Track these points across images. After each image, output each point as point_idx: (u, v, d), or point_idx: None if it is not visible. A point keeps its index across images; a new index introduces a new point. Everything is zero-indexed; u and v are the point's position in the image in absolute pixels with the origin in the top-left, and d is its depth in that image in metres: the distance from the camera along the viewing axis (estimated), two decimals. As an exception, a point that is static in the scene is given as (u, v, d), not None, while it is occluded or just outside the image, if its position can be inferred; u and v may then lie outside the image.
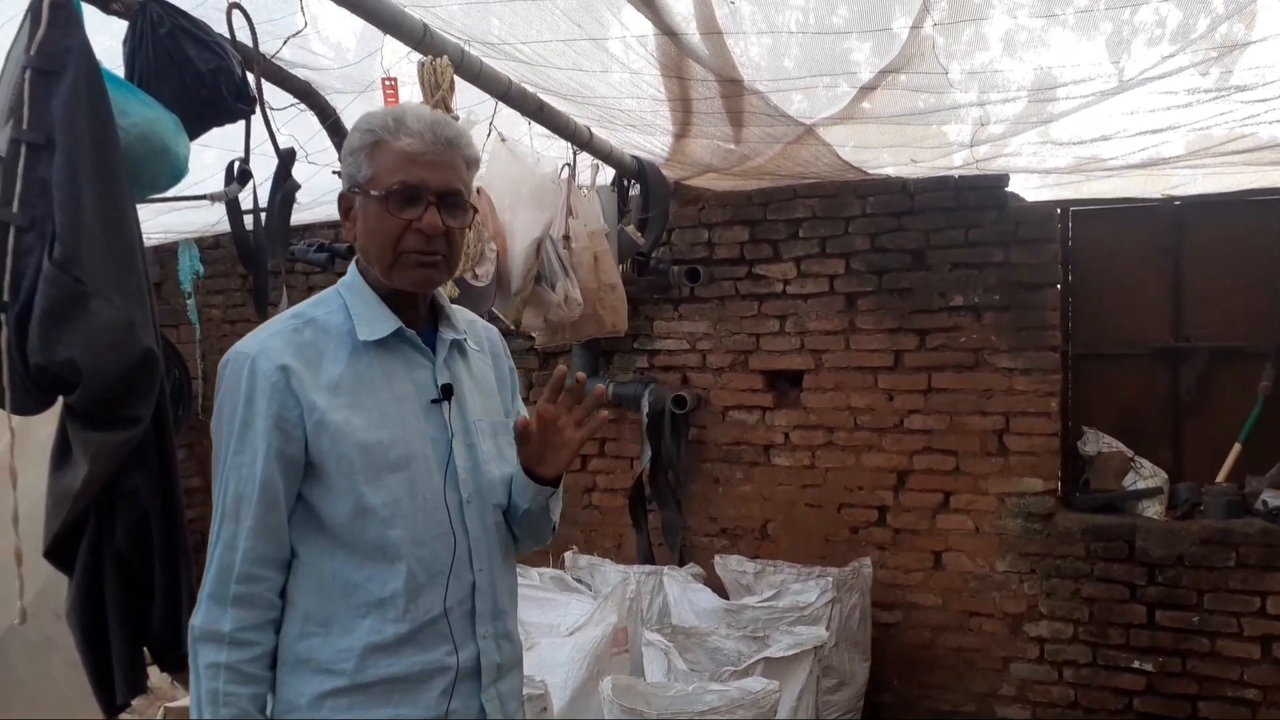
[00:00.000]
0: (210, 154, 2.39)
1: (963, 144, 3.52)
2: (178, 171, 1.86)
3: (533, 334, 3.65)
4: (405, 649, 1.46)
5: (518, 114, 3.05)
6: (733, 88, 2.95)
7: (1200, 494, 3.86)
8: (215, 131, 2.07)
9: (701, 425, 4.48)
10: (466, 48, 2.70)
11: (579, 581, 3.91)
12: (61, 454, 1.66)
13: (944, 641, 4.09)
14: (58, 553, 1.68)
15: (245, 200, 2.14)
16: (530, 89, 3.03)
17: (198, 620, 1.41)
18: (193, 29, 1.92)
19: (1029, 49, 2.68)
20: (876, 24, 2.53)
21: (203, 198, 2.09)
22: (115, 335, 1.60)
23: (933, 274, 4.05)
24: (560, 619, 3.19)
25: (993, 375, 3.97)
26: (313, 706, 1.44)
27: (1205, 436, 3.99)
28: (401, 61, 2.66)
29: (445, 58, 2.52)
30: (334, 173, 2.87)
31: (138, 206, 1.77)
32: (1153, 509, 3.86)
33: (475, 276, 2.88)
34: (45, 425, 1.72)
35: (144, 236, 1.78)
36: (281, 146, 2.26)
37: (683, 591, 3.80)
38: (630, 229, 3.99)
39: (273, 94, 2.51)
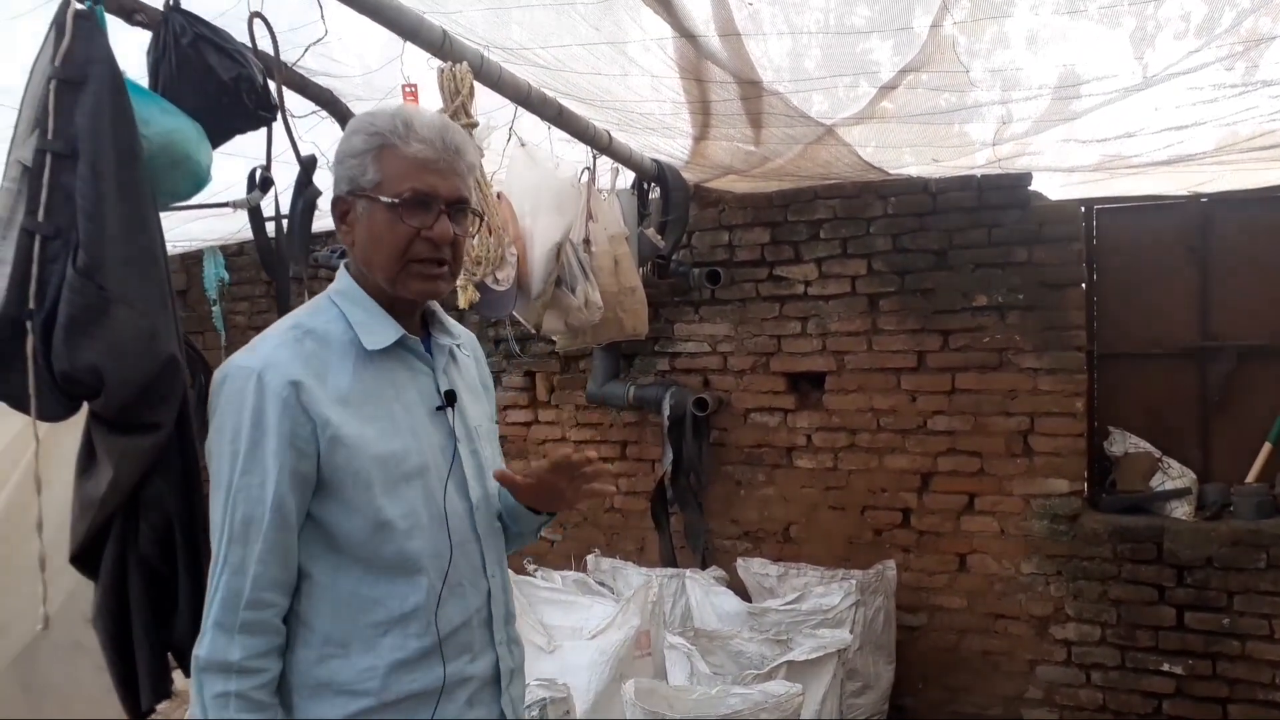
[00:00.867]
0: (235, 162, 2.41)
1: (985, 143, 3.49)
2: (200, 179, 1.88)
3: (554, 337, 3.66)
4: (429, 662, 1.44)
5: (537, 119, 3.06)
6: (752, 89, 2.95)
7: (1229, 494, 3.81)
8: (238, 139, 2.09)
9: (723, 428, 4.47)
10: (486, 53, 2.71)
11: (601, 584, 3.92)
12: (87, 460, 1.69)
13: (969, 644, 4.06)
14: (83, 558, 1.71)
15: (267, 207, 2.16)
16: (550, 94, 3.04)
17: (203, 651, 1.36)
18: (214, 38, 1.94)
19: (1051, 45, 2.65)
20: (897, 23, 2.52)
21: (225, 205, 2.11)
22: (138, 342, 1.63)
23: (956, 274, 4.02)
24: (583, 622, 3.19)
25: (1017, 375, 3.94)
26: None
27: (1234, 436, 3.94)
28: (421, 68, 2.68)
29: (465, 64, 2.53)
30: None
31: (161, 214, 1.79)
32: (1181, 510, 3.81)
33: (496, 281, 2.89)
34: (71, 432, 1.74)
35: (169, 244, 1.80)
36: (303, 153, 2.27)
37: (705, 594, 3.80)
38: (650, 232, 3.99)
39: (294, 102, 2.53)
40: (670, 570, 4.03)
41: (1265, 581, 3.60)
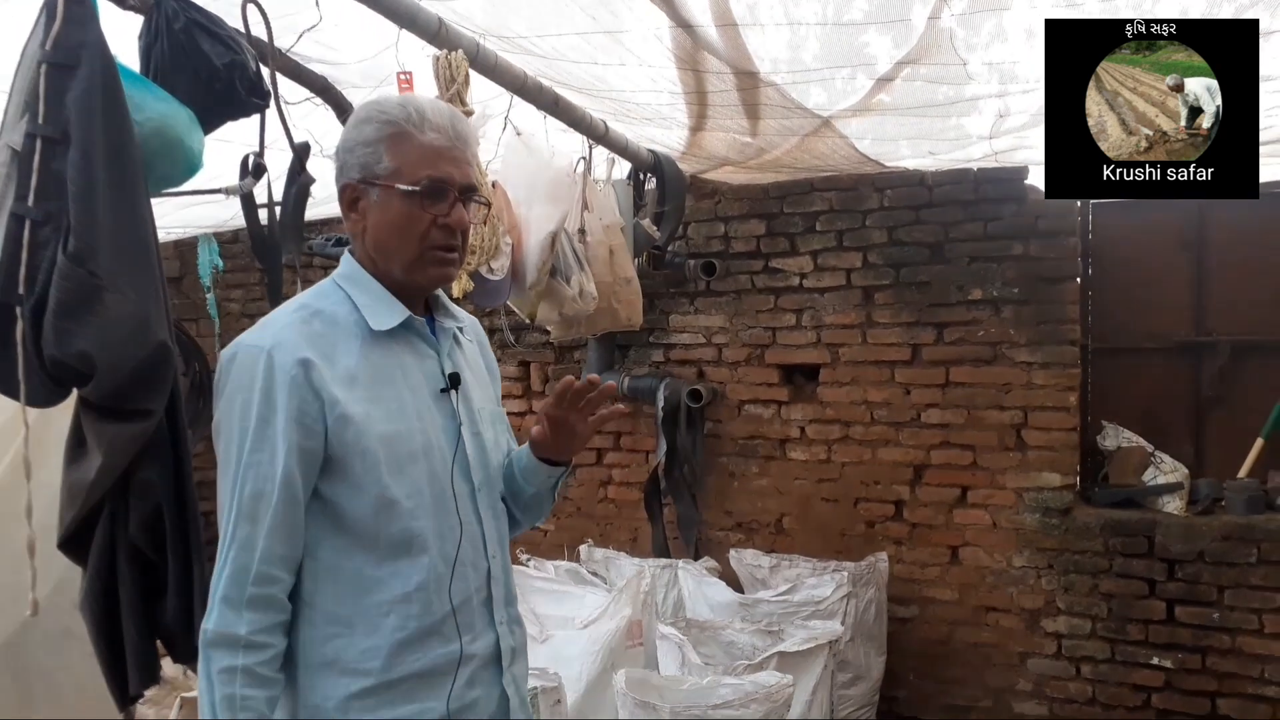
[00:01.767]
0: (229, 149, 2.40)
1: (982, 136, 3.49)
2: (192, 165, 1.86)
3: (548, 328, 3.65)
4: (430, 642, 1.47)
5: (533, 108, 3.05)
6: (749, 80, 2.94)
7: (1222, 489, 3.82)
8: (232, 126, 2.08)
9: (717, 419, 4.47)
10: (482, 41, 2.70)
11: (594, 575, 3.93)
12: (76, 446, 1.68)
13: (961, 636, 4.07)
14: (72, 544, 1.71)
15: (260, 194, 2.15)
16: (546, 83, 3.03)
17: (211, 624, 1.37)
18: (207, 23, 1.92)
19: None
20: (895, 15, 2.51)
21: (217, 191, 2.10)
22: (129, 328, 1.62)
23: (951, 267, 4.02)
24: (575, 612, 3.19)
25: (1011, 369, 3.94)
26: (340, 709, 1.43)
27: (1227, 431, 3.95)
28: (417, 55, 2.66)
29: (460, 52, 2.52)
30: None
31: (154, 201, 1.78)
32: (1173, 504, 3.82)
33: (490, 270, 2.89)
34: (61, 418, 1.74)
35: (163, 231, 1.79)
36: (297, 141, 2.26)
37: (697, 585, 3.81)
38: (646, 223, 3.98)
39: (289, 89, 2.52)
40: (663, 561, 4.03)
41: (1255, 576, 3.61)
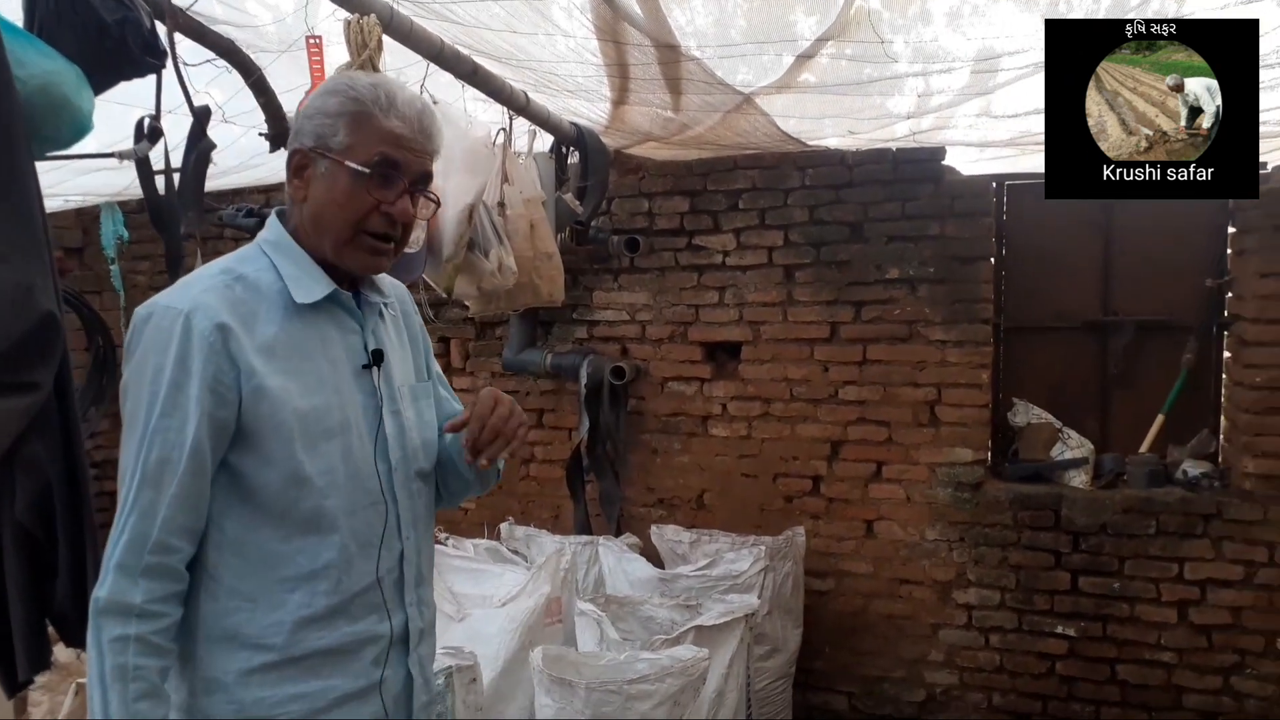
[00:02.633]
0: (130, 112, 2.28)
1: (902, 115, 3.53)
2: (81, 126, 1.77)
3: (466, 303, 3.59)
4: (337, 620, 1.45)
5: (451, 77, 2.98)
6: (670, 54, 2.91)
7: (1124, 464, 3.96)
8: (127, 87, 1.98)
9: (640, 396, 4.47)
10: (396, 6, 2.61)
11: (515, 553, 3.89)
12: (-44, 422, 1.59)
13: (875, 609, 4.16)
14: (-47, 525, 1.62)
15: (157, 160, 2.06)
16: (464, 50, 2.95)
17: (103, 592, 1.32)
18: (98, -23, 1.82)
19: (972, 21, 2.68)
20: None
21: (109, 155, 2.00)
22: (13, 297, 1.53)
23: (870, 246, 4.07)
24: (493, 590, 3.16)
25: (926, 347, 4.01)
26: (240, 682, 1.40)
27: (1131, 408, 4.09)
28: (328, 20, 2.58)
29: (373, 16, 2.44)
30: (261, 135, 2.79)
31: (49, 166, 1.69)
32: (1078, 479, 3.95)
33: (405, 242, 2.82)
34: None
35: (62, 199, 1.71)
36: (198, 104, 2.17)
37: (618, 561, 3.81)
38: (569, 197, 3.94)
39: (192, 51, 2.41)
40: (584, 538, 4.02)
41: (1154, 547, 3.76)
